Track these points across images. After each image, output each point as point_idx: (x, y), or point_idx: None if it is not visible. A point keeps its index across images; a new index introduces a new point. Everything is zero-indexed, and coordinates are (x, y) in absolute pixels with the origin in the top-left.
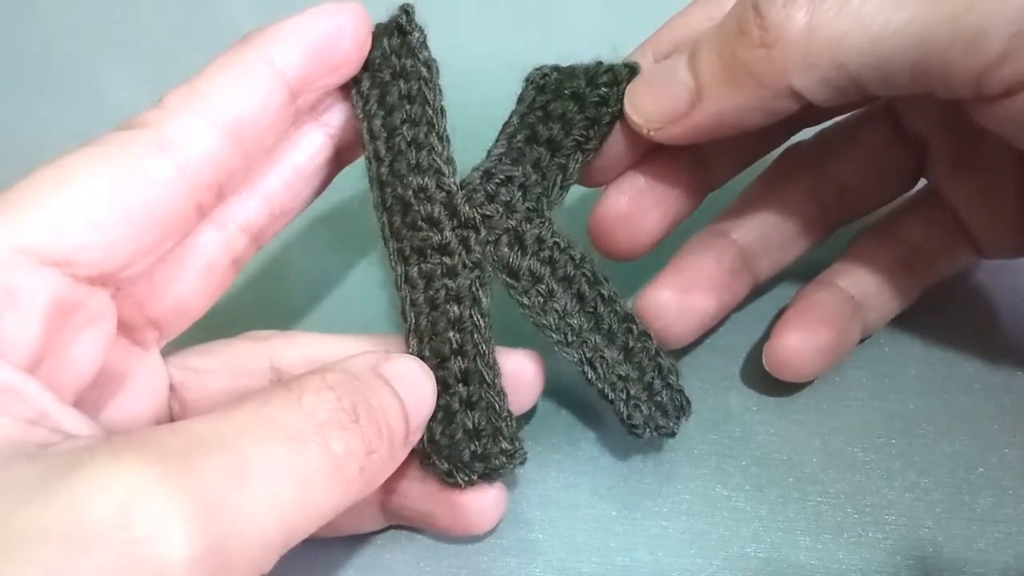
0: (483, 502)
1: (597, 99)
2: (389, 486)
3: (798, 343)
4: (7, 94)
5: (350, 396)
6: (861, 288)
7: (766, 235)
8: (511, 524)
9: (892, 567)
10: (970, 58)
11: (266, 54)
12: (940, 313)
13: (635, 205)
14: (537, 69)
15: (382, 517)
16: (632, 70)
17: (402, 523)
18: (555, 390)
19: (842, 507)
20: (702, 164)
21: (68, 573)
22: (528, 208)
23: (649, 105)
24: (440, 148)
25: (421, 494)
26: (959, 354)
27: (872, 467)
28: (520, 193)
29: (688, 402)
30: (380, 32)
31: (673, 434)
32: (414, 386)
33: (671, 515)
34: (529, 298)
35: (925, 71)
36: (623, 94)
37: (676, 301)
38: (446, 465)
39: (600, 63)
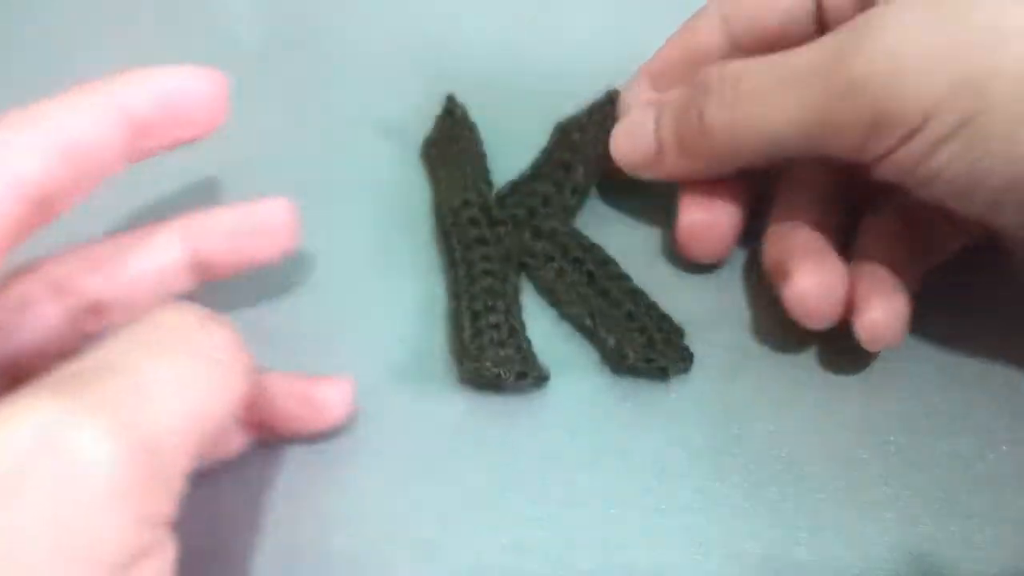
0: (335, 393)
1: (592, 125)
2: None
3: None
4: (7, 94)
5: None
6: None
7: None
8: (510, 521)
9: (891, 565)
10: (843, 141)
11: (116, 91)
12: (940, 312)
13: (709, 214)
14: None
15: (244, 434)
16: (614, 94)
17: (264, 436)
18: (555, 386)
19: (841, 505)
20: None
21: (7, 514)
22: (547, 211)
23: (626, 151)
24: (481, 175)
25: (281, 393)
26: (959, 353)
27: (871, 465)
28: (540, 201)
29: (691, 354)
30: (440, 117)
31: (666, 372)
32: None
33: (669, 512)
34: (543, 272)
35: (822, 149)
36: (610, 114)
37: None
38: (491, 365)
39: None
